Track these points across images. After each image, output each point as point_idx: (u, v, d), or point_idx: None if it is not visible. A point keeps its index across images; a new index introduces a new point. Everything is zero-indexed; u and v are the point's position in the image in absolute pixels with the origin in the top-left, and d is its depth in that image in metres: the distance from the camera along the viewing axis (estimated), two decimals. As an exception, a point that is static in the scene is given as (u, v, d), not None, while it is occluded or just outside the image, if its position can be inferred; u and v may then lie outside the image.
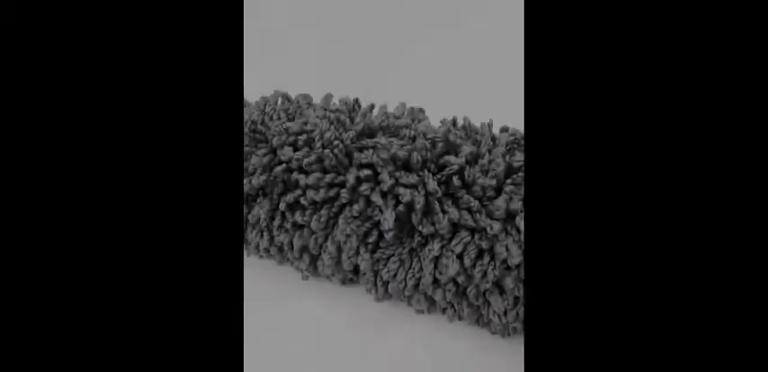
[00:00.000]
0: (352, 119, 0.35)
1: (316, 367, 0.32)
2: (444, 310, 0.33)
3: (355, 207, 0.31)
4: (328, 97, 0.38)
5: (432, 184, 0.30)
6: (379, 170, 0.31)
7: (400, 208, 0.30)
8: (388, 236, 0.30)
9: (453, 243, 0.30)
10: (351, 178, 0.31)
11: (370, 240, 0.31)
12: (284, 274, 0.37)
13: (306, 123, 0.33)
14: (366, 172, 0.31)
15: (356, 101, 0.37)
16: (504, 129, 0.34)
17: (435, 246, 0.30)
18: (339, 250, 0.32)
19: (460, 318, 0.33)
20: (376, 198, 0.30)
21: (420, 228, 0.30)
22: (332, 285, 0.36)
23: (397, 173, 0.30)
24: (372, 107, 0.37)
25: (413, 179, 0.30)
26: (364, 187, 0.31)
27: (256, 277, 0.37)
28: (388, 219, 0.30)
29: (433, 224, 0.30)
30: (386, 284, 0.33)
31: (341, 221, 0.32)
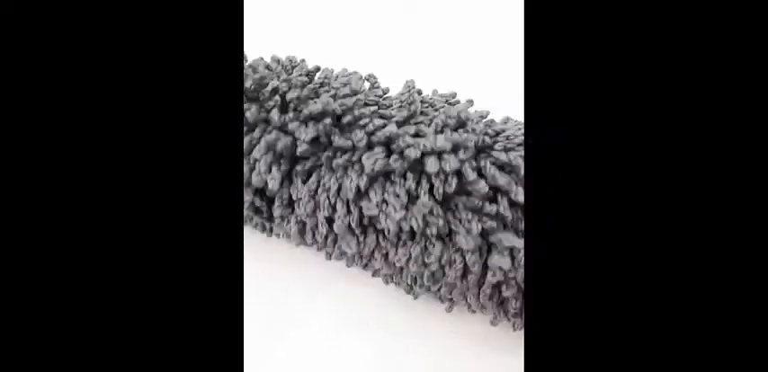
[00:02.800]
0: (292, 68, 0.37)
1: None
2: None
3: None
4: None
5: None
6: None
7: (326, 121, 0.28)
8: (302, 149, 0.28)
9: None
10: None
11: (279, 151, 0.29)
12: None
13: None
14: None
15: (302, 61, 0.39)
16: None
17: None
18: (252, 170, 0.30)
19: None
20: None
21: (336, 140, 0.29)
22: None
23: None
24: (318, 69, 0.39)
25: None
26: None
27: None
28: (307, 130, 0.28)
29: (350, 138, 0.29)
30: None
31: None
